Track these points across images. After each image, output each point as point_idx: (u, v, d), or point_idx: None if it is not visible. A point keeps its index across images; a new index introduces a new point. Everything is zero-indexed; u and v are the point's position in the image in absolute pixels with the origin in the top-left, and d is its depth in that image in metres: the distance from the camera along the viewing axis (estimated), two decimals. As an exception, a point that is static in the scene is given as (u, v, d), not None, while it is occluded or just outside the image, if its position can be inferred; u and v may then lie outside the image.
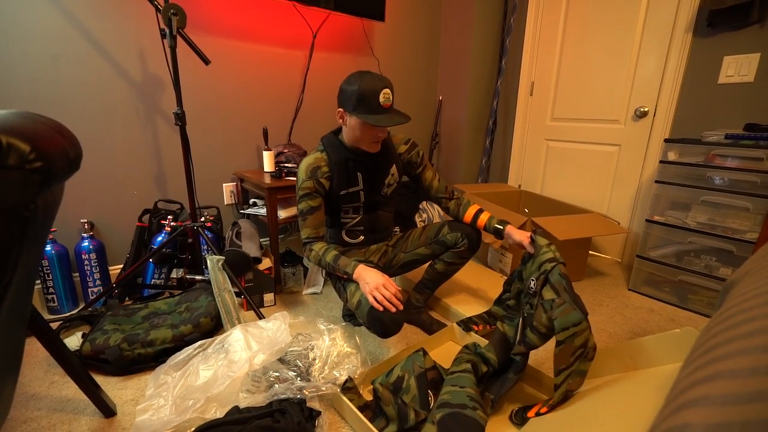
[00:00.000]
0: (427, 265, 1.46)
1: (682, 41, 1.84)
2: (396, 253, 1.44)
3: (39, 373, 1.21)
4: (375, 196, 1.32)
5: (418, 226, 1.67)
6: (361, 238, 1.37)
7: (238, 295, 1.45)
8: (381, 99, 1.08)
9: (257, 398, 1.03)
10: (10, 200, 0.46)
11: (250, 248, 1.59)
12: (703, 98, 1.82)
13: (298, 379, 1.08)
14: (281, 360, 1.15)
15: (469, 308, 1.52)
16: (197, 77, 1.79)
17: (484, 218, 1.32)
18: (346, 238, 1.37)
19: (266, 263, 1.64)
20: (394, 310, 1.06)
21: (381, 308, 1.06)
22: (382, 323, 1.08)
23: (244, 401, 1.03)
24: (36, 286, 1.53)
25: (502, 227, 1.27)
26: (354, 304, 1.17)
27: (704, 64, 1.80)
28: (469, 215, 1.34)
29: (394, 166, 1.32)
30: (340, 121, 1.19)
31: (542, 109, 2.49)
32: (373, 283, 1.09)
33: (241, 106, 1.95)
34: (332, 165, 1.23)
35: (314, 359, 1.17)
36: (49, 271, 1.50)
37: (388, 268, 1.44)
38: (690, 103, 1.87)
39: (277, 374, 1.10)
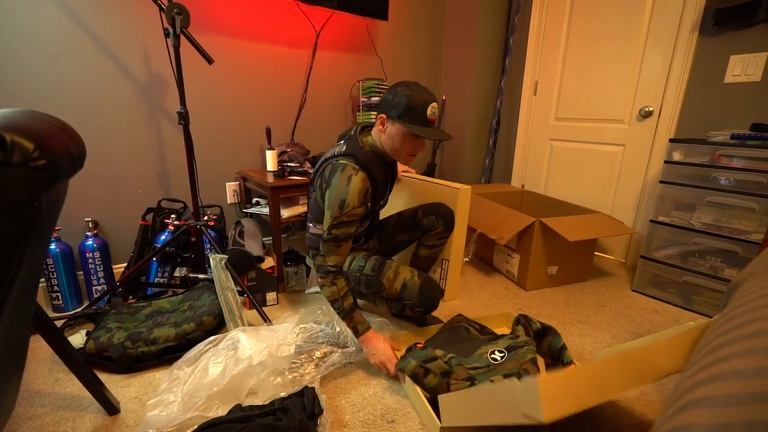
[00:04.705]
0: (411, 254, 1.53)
1: (688, 40, 1.82)
2: (378, 243, 1.50)
3: (43, 370, 1.22)
4: (384, 203, 1.35)
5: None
6: (361, 240, 1.42)
7: (240, 293, 1.46)
8: (428, 112, 1.07)
9: (261, 396, 1.04)
10: (15, 198, 0.46)
11: (253, 247, 1.59)
12: (709, 98, 1.80)
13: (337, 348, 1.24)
14: (309, 339, 1.31)
15: (471, 310, 1.51)
16: (200, 76, 1.80)
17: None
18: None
19: (269, 262, 1.65)
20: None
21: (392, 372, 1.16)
22: (434, 297, 1.23)
23: (247, 400, 1.04)
24: (41, 284, 1.55)
25: None
26: (398, 288, 1.23)
27: (710, 64, 1.78)
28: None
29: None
30: (380, 128, 1.14)
31: (546, 109, 2.48)
32: (383, 356, 1.16)
33: (244, 106, 1.95)
34: (374, 185, 1.18)
35: (341, 330, 1.31)
36: (53, 270, 1.51)
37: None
38: (696, 102, 1.85)
39: (323, 332, 1.32)
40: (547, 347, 1.22)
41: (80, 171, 1.61)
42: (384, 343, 1.18)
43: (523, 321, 1.28)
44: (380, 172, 1.19)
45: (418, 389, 1.04)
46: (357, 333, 1.17)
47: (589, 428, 1.01)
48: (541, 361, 1.23)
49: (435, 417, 0.95)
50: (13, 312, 0.56)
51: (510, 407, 0.67)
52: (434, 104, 1.08)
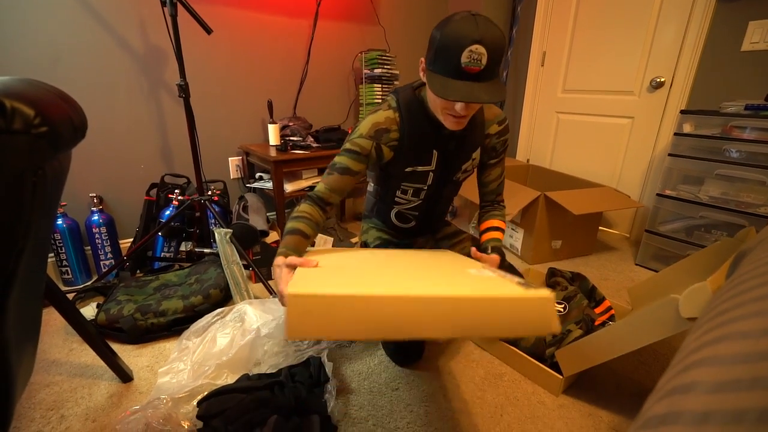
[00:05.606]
0: None
1: (704, 5, 1.74)
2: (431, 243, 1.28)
3: (58, 340, 1.26)
4: (445, 180, 1.06)
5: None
6: (413, 223, 1.17)
7: (246, 267, 1.47)
8: (464, 58, 0.74)
9: (263, 367, 1.07)
10: (18, 165, 0.46)
11: (257, 221, 1.60)
12: (725, 67, 1.74)
13: None
14: None
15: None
16: (199, 48, 1.75)
17: (487, 236, 1.10)
18: (396, 221, 1.17)
19: (273, 236, 1.66)
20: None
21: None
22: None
23: (255, 369, 1.07)
24: (50, 259, 1.57)
25: (488, 248, 1.05)
26: None
27: (727, 30, 1.71)
28: (483, 225, 1.14)
29: (479, 149, 1.04)
30: (421, 74, 0.89)
31: (553, 81, 2.41)
32: (280, 288, 0.78)
33: (244, 78, 1.91)
34: (404, 133, 0.95)
35: None
36: (61, 245, 1.53)
37: None
38: (710, 72, 1.79)
39: None
40: (580, 290, 1.42)
41: (83, 146, 1.60)
42: (286, 275, 0.78)
43: (558, 273, 1.47)
44: (415, 123, 0.95)
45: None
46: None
47: None
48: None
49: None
50: (23, 283, 0.57)
51: (661, 323, 0.82)
52: (476, 47, 0.73)
